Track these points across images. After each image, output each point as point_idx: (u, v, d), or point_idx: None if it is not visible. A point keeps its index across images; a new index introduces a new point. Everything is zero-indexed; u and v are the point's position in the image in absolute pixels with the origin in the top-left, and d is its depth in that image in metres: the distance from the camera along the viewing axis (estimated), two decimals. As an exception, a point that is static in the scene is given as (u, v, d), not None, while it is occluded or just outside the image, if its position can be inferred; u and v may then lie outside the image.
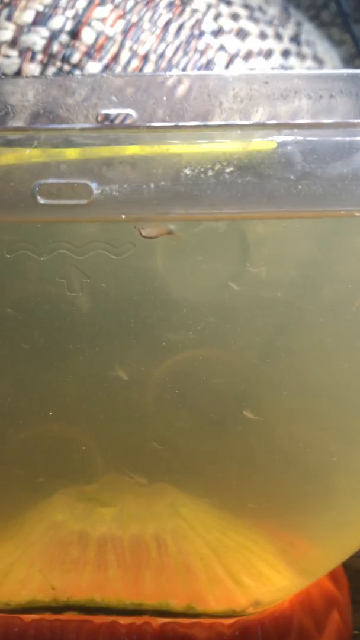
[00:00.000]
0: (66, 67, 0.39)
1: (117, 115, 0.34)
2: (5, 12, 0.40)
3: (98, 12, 0.40)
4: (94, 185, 0.22)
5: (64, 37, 0.39)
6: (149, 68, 0.40)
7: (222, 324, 0.25)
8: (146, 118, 0.34)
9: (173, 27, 0.40)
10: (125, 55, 0.40)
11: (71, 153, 0.22)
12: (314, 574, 0.31)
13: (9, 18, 0.40)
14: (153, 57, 0.40)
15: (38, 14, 0.40)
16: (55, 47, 0.39)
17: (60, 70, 0.39)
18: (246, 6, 0.43)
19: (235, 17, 0.42)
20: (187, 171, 0.22)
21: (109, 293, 0.24)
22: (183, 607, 0.30)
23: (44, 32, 0.39)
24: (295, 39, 0.43)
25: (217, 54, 0.40)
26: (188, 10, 0.41)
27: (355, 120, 0.24)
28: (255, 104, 0.33)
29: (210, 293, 0.24)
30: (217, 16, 0.41)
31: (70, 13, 0.40)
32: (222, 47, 0.41)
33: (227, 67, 0.41)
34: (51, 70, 0.39)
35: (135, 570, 0.30)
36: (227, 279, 0.24)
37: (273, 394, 0.26)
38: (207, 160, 0.22)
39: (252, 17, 0.42)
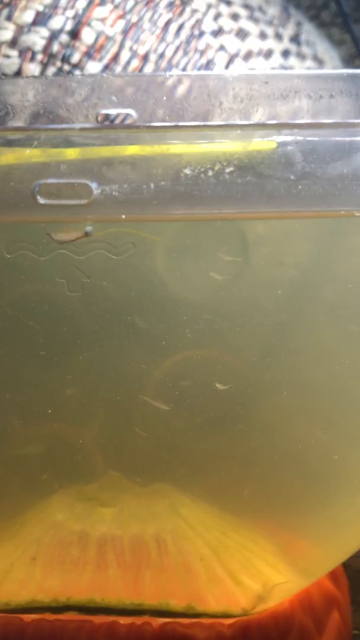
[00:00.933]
0: (66, 67, 0.39)
1: (117, 115, 0.34)
2: (5, 12, 0.40)
3: (98, 12, 0.40)
4: (94, 185, 0.22)
5: (64, 37, 0.39)
6: (149, 68, 0.40)
7: (221, 323, 0.25)
8: (146, 118, 0.34)
9: (173, 27, 0.40)
10: (125, 55, 0.40)
11: (71, 153, 0.22)
12: (314, 574, 0.31)
13: (9, 18, 0.40)
14: (153, 57, 0.40)
15: (38, 14, 0.40)
16: (55, 47, 0.39)
17: (60, 70, 0.39)
18: (246, 6, 0.43)
19: (235, 17, 0.42)
20: (187, 171, 0.22)
21: (109, 293, 0.24)
22: (183, 607, 0.31)
23: (44, 32, 0.39)
24: (295, 39, 0.43)
25: (217, 54, 0.40)
26: (188, 10, 0.41)
27: (355, 120, 0.24)
28: (255, 104, 0.33)
29: (210, 293, 0.24)
30: (217, 16, 0.41)
31: (70, 13, 0.40)
32: (222, 47, 0.41)
33: (227, 67, 0.41)
34: (51, 70, 0.39)
35: (135, 570, 0.30)
36: (227, 279, 0.24)
37: (273, 394, 0.26)
38: (207, 160, 0.22)
39: (252, 17, 0.42)
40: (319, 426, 0.27)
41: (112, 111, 0.34)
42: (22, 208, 0.22)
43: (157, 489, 0.28)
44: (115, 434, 0.27)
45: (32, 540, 0.29)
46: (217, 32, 0.41)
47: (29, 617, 0.31)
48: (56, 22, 0.40)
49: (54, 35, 0.39)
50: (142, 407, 0.26)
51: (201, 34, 0.40)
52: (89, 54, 0.39)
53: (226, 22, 0.41)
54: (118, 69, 0.39)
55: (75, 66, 0.39)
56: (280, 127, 0.22)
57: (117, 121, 0.35)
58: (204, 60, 0.40)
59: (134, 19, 0.40)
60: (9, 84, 0.34)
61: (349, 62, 0.51)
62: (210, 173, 0.22)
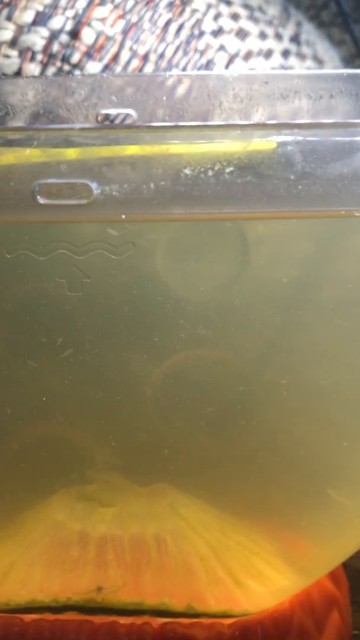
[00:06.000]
0: (66, 67, 0.39)
1: (117, 115, 0.34)
2: (5, 12, 0.40)
3: (98, 12, 0.40)
4: (94, 185, 0.22)
5: (64, 37, 0.39)
6: (149, 68, 0.40)
7: (221, 324, 0.25)
8: (146, 118, 0.34)
9: (173, 27, 0.40)
10: (125, 55, 0.40)
11: (71, 153, 0.22)
12: (314, 574, 0.31)
13: (9, 18, 0.40)
14: (153, 57, 0.40)
15: (38, 14, 0.40)
16: (55, 47, 0.39)
17: (60, 70, 0.39)
18: (246, 6, 0.43)
19: (235, 17, 0.42)
20: (187, 171, 0.22)
21: (108, 293, 0.24)
22: (183, 607, 0.31)
23: (44, 32, 0.39)
24: (295, 39, 0.43)
25: (217, 54, 0.40)
26: (188, 10, 0.41)
27: (355, 120, 0.24)
28: (255, 104, 0.33)
29: (210, 293, 0.24)
30: (217, 16, 0.41)
31: (70, 13, 0.40)
32: (222, 47, 0.41)
33: (227, 67, 0.41)
34: (51, 70, 0.39)
35: (135, 570, 0.30)
36: (227, 279, 0.24)
37: (273, 394, 0.26)
38: (207, 160, 0.22)
39: (252, 17, 0.42)
40: (319, 426, 0.27)
41: (112, 111, 0.34)
42: (22, 208, 0.22)
43: (157, 489, 0.28)
44: (115, 434, 0.27)
45: (32, 540, 0.29)
46: (217, 32, 0.41)
47: (29, 617, 0.31)
48: (56, 22, 0.40)
49: (54, 35, 0.39)
50: (142, 407, 0.26)
51: (201, 34, 0.40)
52: (89, 54, 0.39)
53: (226, 22, 0.41)
54: (118, 69, 0.39)
55: (75, 66, 0.39)
56: (280, 127, 0.22)
57: (117, 121, 0.35)
58: (204, 60, 0.40)
59: (134, 19, 0.40)
60: (9, 84, 0.34)
61: (349, 62, 0.51)
62: (210, 173, 0.22)
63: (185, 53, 0.40)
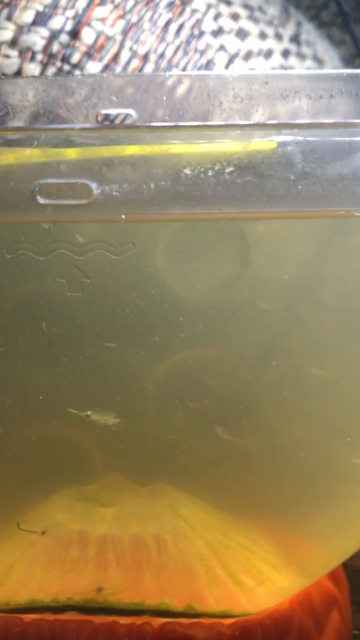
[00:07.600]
0: (66, 67, 0.39)
1: (117, 115, 0.34)
2: (5, 12, 0.40)
3: (98, 12, 0.40)
4: (94, 185, 0.22)
5: (64, 37, 0.39)
6: (149, 68, 0.40)
7: (222, 324, 0.25)
8: (146, 118, 0.34)
9: (173, 27, 0.40)
10: (125, 55, 0.40)
11: (71, 153, 0.22)
12: (314, 574, 0.31)
13: (9, 18, 0.40)
14: (153, 57, 0.40)
15: (38, 14, 0.40)
16: (55, 47, 0.39)
17: (60, 70, 0.39)
18: (246, 6, 0.43)
19: (235, 17, 0.42)
20: (187, 171, 0.22)
21: (109, 293, 0.24)
22: (183, 607, 0.31)
23: (44, 32, 0.39)
24: (295, 39, 0.43)
25: (217, 54, 0.40)
26: (188, 10, 0.41)
27: (355, 120, 0.24)
28: (255, 104, 0.33)
29: (210, 293, 0.24)
30: (217, 16, 0.41)
31: (70, 13, 0.40)
32: (222, 47, 0.41)
33: (227, 67, 0.41)
34: (51, 70, 0.39)
35: (135, 570, 0.30)
36: (227, 278, 0.24)
37: (273, 394, 0.26)
38: (207, 160, 0.22)
39: (252, 17, 0.42)
40: (320, 426, 0.27)
41: (112, 111, 0.34)
42: (22, 208, 0.22)
43: (157, 489, 0.28)
44: (115, 434, 0.27)
45: (32, 540, 0.29)
46: (217, 32, 0.41)
47: (29, 617, 0.31)
48: (56, 22, 0.40)
49: (54, 35, 0.39)
50: (142, 407, 0.26)
51: (201, 34, 0.40)
52: (89, 54, 0.39)
53: (226, 22, 0.41)
54: (118, 69, 0.39)
55: (75, 66, 0.39)
56: (280, 127, 0.22)
57: (117, 121, 0.35)
58: (204, 60, 0.40)
59: (134, 19, 0.40)
60: (9, 84, 0.34)
61: (349, 62, 0.51)
62: (210, 173, 0.22)
63: (185, 53, 0.40)
